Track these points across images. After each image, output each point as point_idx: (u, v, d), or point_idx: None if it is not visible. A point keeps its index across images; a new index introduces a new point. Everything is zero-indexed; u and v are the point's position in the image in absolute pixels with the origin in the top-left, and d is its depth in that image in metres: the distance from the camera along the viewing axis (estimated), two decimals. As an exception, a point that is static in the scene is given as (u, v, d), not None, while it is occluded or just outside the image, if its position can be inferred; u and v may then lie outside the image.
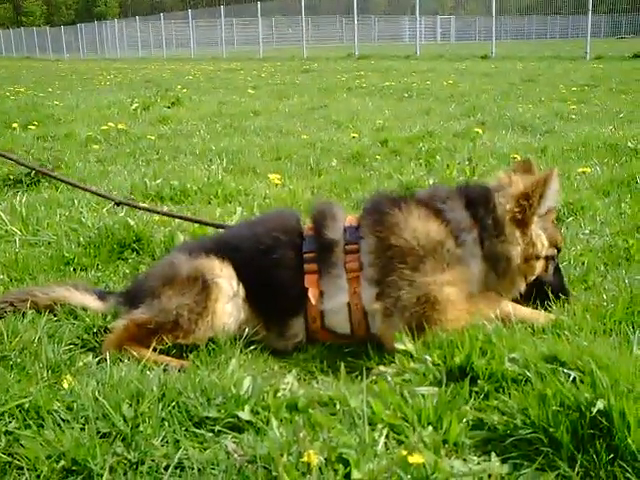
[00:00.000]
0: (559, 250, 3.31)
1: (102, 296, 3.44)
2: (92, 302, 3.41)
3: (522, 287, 3.19)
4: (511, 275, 3.15)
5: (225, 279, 3.13)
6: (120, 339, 3.00)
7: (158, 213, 4.57)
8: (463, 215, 3.14)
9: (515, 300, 3.19)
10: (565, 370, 2.42)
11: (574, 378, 2.36)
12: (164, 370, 2.77)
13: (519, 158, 6.74)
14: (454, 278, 3.00)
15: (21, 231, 4.80)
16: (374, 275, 3.04)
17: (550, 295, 3.20)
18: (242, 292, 3.16)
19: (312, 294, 3.08)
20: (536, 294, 3.23)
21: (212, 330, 3.04)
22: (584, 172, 6.05)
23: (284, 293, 3.14)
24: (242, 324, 3.13)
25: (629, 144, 7.20)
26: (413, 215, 3.12)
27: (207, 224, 4.33)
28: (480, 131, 8.69)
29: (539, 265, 3.19)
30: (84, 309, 3.38)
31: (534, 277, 3.20)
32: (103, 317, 3.31)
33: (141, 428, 2.33)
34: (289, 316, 3.14)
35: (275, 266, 3.16)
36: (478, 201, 3.18)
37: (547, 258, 3.22)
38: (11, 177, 6.48)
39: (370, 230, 3.13)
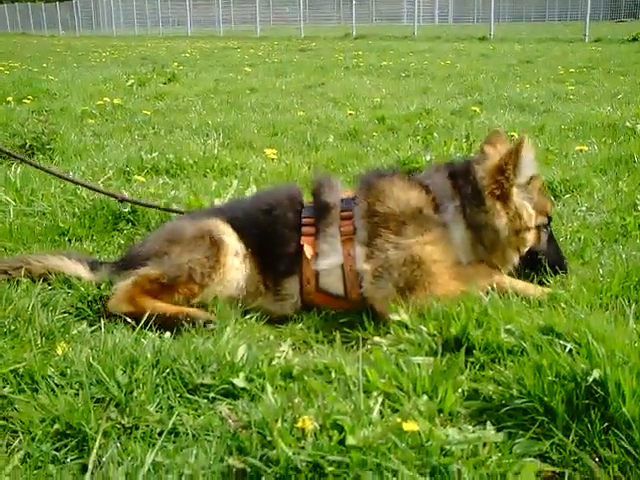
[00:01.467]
0: (550, 218, 3.29)
1: (94, 266, 3.43)
2: (84, 272, 3.40)
3: (516, 260, 3.20)
4: (502, 248, 3.15)
5: (230, 236, 3.19)
6: (131, 294, 3.01)
7: (158, 208, 4.43)
8: (445, 185, 3.21)
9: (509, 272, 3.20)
10: (561, 341, 2.42)
11: (570, 349, 2.36)
12: (187, 323, 2.83)
13: (517, 136, 6.73)
14: (435, 239, 3.06)
15: (15, 201, 4.76)
16: (365, 238, 3.12)
17: (546, 265, 3.21)
18: (243, 251, 3.22)
19: (308, 251, 3.15)
20: (532, 264, 3.24)
21: (223, 284, 3.11)
22: (582, 150, 6.04)
23: (282, 251, 3.20)
24: (246, 281, 3.19)
25: (627, 124, 7.17)
26: (397, 185, 3.23)
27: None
28: (477, 110, 8.66)
29: (531, 236, 3.19)
30: (78, 278, 3.36)
31: (527, 248, 3.20)
32: (97, 286, 3.29)
33: (135, 394, 2.33)
34: (285, 275, 3.19)
35: (274, 223, 3.24)
36: (460, 173, 3.24)
37: (538, 227, 3.22)
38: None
39: (362, 197, 3.23)
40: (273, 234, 3.22)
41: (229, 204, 3.75)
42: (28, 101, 10.18)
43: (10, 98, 10.21)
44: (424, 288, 2.96)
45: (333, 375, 2.46)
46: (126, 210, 4.38)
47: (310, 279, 3.16)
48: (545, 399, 2.19)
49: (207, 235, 3.14)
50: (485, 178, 3.15)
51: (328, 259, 3.14)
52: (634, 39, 26.11)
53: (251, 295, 3.19)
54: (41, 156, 6.38)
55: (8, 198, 4.76)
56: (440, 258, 3.03)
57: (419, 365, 2.47)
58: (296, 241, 3.18)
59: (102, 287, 3.27)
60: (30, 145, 6.42)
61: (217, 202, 4.44)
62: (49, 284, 3.35)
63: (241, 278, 3.17)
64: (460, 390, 2.36)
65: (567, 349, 2.37)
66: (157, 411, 2.28)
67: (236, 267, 3.16)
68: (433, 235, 3.07)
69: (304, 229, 3.20)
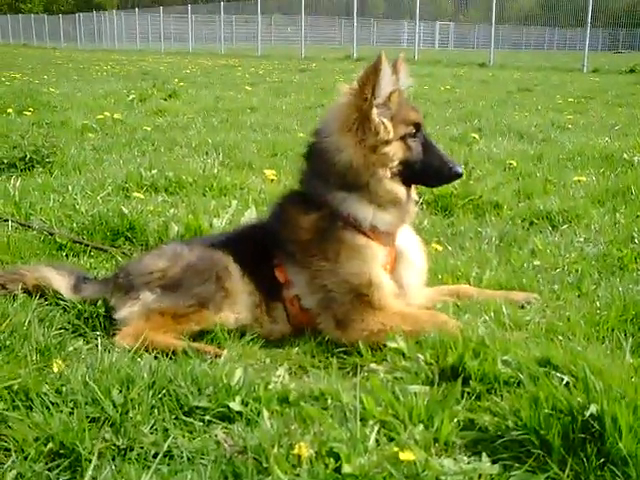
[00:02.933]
0: (418, 126, 3.17)
1: (79, 283, 3.40)
2: (65, 289, 3.39)
3: (388, 174, 3.10)
4: (368, 173, 3.08)
5: (232, 262, 3.19)
6: (141, 330, 2.97)
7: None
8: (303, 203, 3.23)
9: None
10: (558, 374, 2.42)
11: (567, 382, 2.37)
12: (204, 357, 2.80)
13: (515, 164, 6.77)
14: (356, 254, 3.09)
15: (13, 215, 4.76)
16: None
17: (433, 172, 3.20)
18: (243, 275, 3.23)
19: (280, 277, 3.21)
20: (414, 177, 3.21)
21: (233, 310, 3.12)
22: (580, 181, 6.06)
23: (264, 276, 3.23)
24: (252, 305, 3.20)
25: (625, 155, 7.21)
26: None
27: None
28: (477, 136, 8.69)
29: (393, 149, 3.09)
30: (59, 294, 3.36)
31: (397, 161, 3.10)
32: (93, 303, 3.27)
33: (131, 414, 2.32)
34: (272, 299, 3.22)
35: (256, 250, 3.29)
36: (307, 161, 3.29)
37: (403, 138, 3.12)
38: (5, 161, 6.44)
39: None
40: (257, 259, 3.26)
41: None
42: (29, 113, 10.20)
43: (10, 109, 10.24)
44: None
45: (329, 401, 2.45)
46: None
47: (293, 301, 3.18)
48: (541, 432, 2.19)
49: (213, 263, 3.15)
50: (334, 126, 3.14)
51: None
52: (632, 70, 26.34)
53: (256, 319, 3.20)
54: (41, 169, 6.38)
55: (7, 212, 4.76)
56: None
57: (415, 394, 2.46)
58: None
59: (98, 304, 3.26)
60: (30, 158, 6.42)
61: (215, 222, 4.45)
62: (46, 299, 3.34)
63: (250, 302, 3.18)
64: (456, 420, 2.36)
65: (564, 382, 2.37)
66: (152, 433, 2.27)
67: (243, 291, 3.17)
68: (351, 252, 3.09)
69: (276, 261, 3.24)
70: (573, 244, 4.40)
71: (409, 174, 3.16)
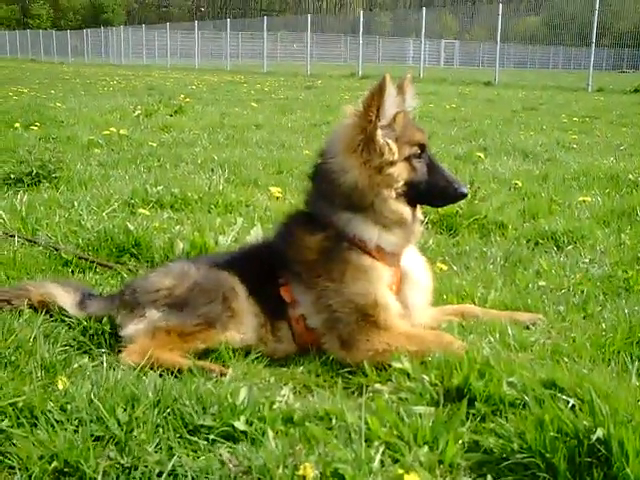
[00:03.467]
0: (423, 147, 3.17)
1: (84, 300, 3.40)
2: (70, 306, 3.39)
3: (393, 194, 3.09)
4: (373, 193, 3.08)
5: (238, 282, 3.20)
6: (147, 348, 2.96)
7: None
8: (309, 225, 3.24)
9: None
10: (564, 396, 2.42)
11: (573, 405, 2.36)
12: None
13: (520, 184, 6.77)
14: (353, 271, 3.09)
15: (20, 230, 4.78)
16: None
17: (438, 192, 3.19)
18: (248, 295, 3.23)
19: (286, 297, 3.20)
20: (420, 197, 3.21)
21: (239, 331, 3.12)
22: (585, 201, 6.07)
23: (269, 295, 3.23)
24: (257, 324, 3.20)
25: (630, 176, 7.21)
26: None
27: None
28: (482, 155, 8.69)
29: (398, 169, 3.09)
30: (64, 310, 3.36)
31: (402, 182, 3.10)
32: (98, 320, 3.27)
33: (135, 433, 2.32)
34: (277, 318, 3.21)
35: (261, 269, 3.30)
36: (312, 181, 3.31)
37: (408, 159, 3.12)
38: (12, 176, 6.47)
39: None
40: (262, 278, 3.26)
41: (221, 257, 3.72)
42: (35, 128, 10.26)
43: (18, 124, 10.29)
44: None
45: (334, 422, 2.44)
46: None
47: (299, 320, 3.17)
48: (547, 455, 2.18)
49: (219, 282, 3.16)
50: (339, 147, 3.14)
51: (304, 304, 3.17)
52: (636, 90, 26.35)
53: (261, 338, 3.19)
54: (47, 184, 6.41)
55: (13, 227, 4.78)
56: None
57: (420, 415, 2.46)
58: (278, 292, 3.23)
59: (104, 321, 3.25)
60: (37, 173, 6.45)
61: (221, 239, 4.45)
62: (51, 315, 3.34)
63: (255, 322, 3.18)
64: (461, 442, 2.35)
65: (570, 405, 2.36)
66: (156, 451, 2.27)
67: (249, 311, 3.17)
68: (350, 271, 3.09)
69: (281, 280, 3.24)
70: (578, 265, 4.39)
71: (414, 195, 3.16)
